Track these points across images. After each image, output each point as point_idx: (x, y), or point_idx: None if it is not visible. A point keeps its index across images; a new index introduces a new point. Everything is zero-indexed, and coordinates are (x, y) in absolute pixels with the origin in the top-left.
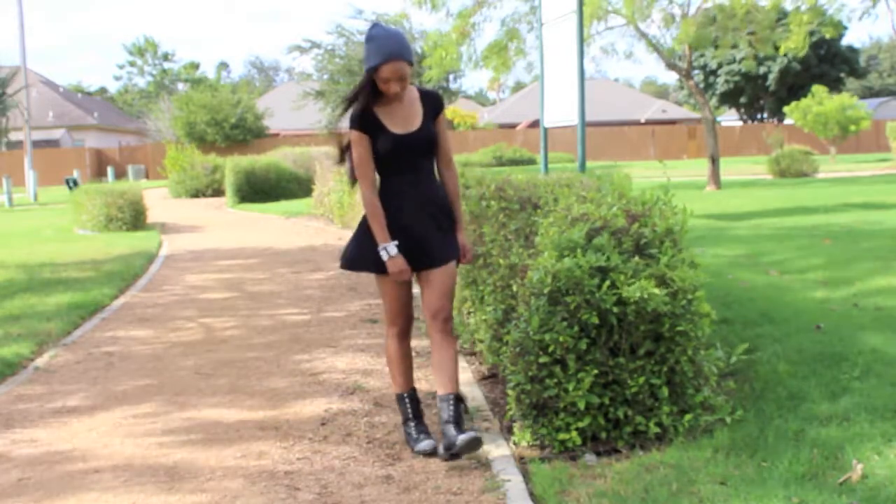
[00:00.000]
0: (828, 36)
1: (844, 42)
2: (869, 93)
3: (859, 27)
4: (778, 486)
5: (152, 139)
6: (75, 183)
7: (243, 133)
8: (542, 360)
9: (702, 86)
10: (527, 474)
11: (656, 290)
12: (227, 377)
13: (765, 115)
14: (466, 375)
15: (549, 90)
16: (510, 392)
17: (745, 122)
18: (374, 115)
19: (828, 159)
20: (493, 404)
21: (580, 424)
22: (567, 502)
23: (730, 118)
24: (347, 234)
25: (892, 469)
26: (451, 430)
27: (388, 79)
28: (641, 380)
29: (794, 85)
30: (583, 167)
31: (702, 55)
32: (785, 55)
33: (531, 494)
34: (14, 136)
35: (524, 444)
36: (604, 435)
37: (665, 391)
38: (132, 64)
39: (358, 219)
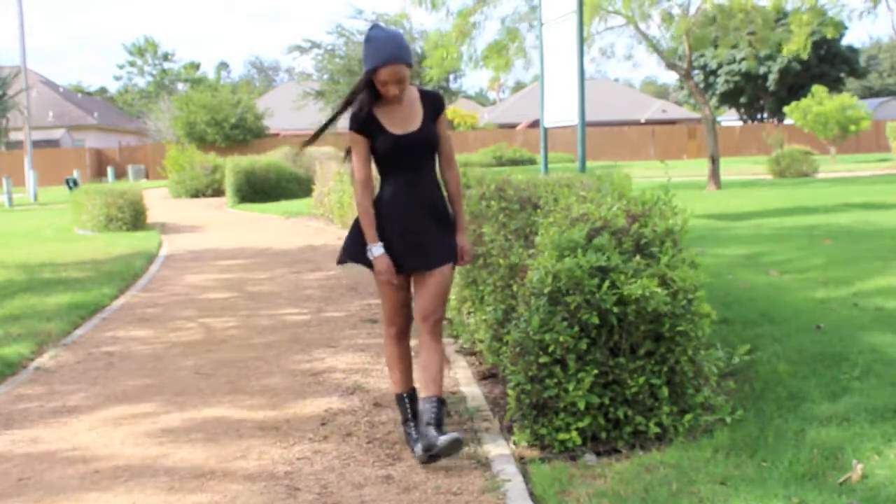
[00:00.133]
0: (829, 36)
1: (844, 42)
2: (869, 93)
3: (859, 27)
4: (778, 486)
5: (152, 139)
6: (75, 183)
7: (243, 133)
8: (542, 360)
9: (702, 86)
10: (527, 474)
11: (658, 289)
12: (227, 377)
13: (765, 115)
14: (466, 375)
15: (549, 90)
16: (510, 392)
17: (745, 122)
18: (374, 115)
19: (828, 159)
20: (493, 404)
21: (580, 424)
22: (567, 502)
23: (730, 118)
24: (347, 234)
25: (892, 469)
26: (432, 431)
27: (387, 81)
28: (641, 380)
29: (794, 85)
30: (583, 167)
31: (702, 55)
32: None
33: (531, 494)
34: (14, 136)
35: (524, 444)
36: (604, 435)
37: (665, 391)
38: (132, 64)
39: None
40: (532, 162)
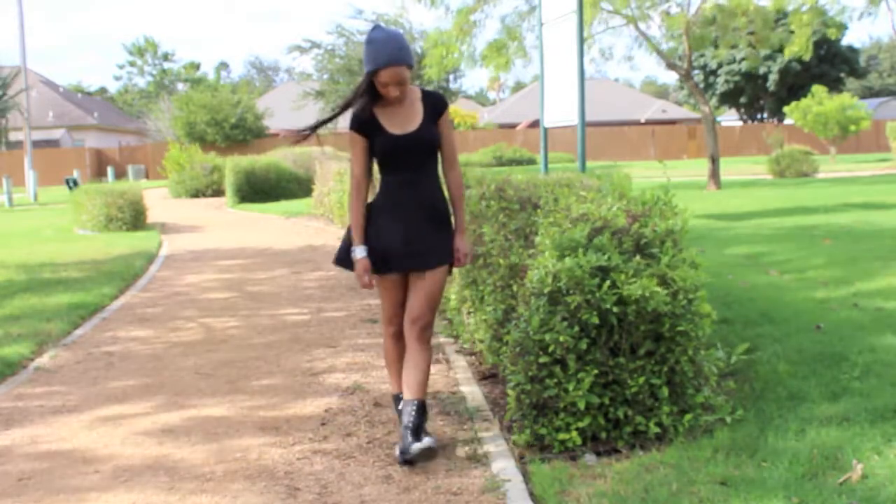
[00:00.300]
0: (832, 37)
1: (844, 42)
2: (869, 93)
3: (859, 27)
4: (778, 486)
5: (152, 139)
6: (75, 183)
7: (243, 133)
8: (542, 360)
9: (702, 86)
10: (527, 474)
11: (658, 289)
12: (227, 377)
13: (765, 115)
14: (466, 375)
15: (549, 90)
16: (510, 392)
17: (745, 122)
18: (373, 115)
19: (828, 159)
20: (493, 404)
21: (580, 424)
22: (567, 502)
23: (730, 118)
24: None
25: (892, 469)
26: (409, 436)
27: (387, 83)
28: (641, 380)
29: (794, 85)
30: (583, 167)
31: (702, 55)
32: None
33: (531, 494)
34: (14, 136)
35: (524, 444)
36: (604, 435)
37: (665, 391)
38: (132, 64)
39: None
40: (532, 162)
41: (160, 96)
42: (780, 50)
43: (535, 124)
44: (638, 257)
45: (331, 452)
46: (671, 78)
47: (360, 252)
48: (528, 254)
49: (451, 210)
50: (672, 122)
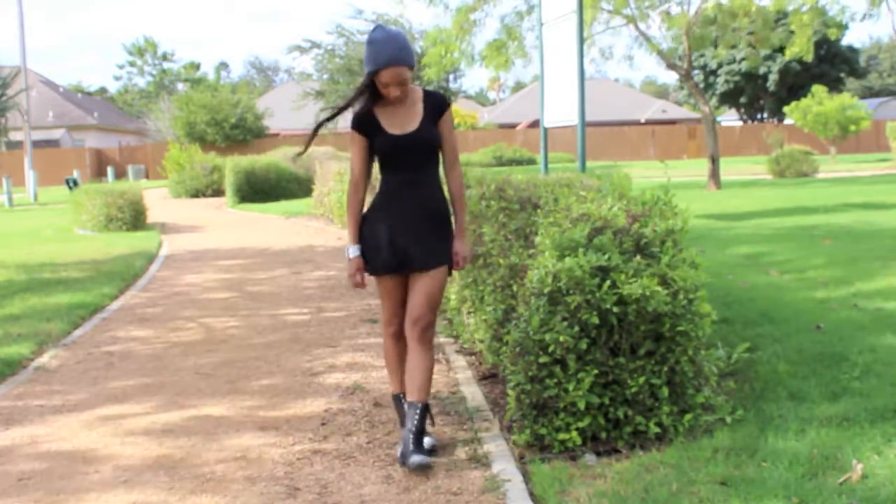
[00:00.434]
0: (832, 38)
1: (844, 42)
2: (869, 93)
3: (859, 27)
4: (778, 486)
5: (152, 139)
6: (75, 183)
7: (243, 133)
8: (542, 360)
9: (702, 86)
10: (527, 474)
11: (658, 289)
12: (227, 377)
13: (765, 115)
14: (466, 375)
15: (549, 90)
16: (510, 392)
17: (745, 122)
18: (374, 115)
19: (828, 159)
20: (493, 404)
21: (580, 424)
22: (567, 502)
23: (730, 118)
24: (347, 234)
25: (892, 469)
26: (410, 445)
27: (388, 83)
28: (641, 380)
29: (794, 85)
30: (583, 167)
31: (702, 55)
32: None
33: (531, 494)
34: (14, 136)
35: (524, 444)
36: (604, 435)
37: (665, 391)
38: (132, 64)
39: None
40: (532, 162)
41: (160, 96)
42: (781, 50)
43: (535, 124)
44: (638, 257)
45: (331, 452)
46: (671, 78)
47: (353, 251)
48: (528, 254)
49: (451, 210)
50: (672, 122)
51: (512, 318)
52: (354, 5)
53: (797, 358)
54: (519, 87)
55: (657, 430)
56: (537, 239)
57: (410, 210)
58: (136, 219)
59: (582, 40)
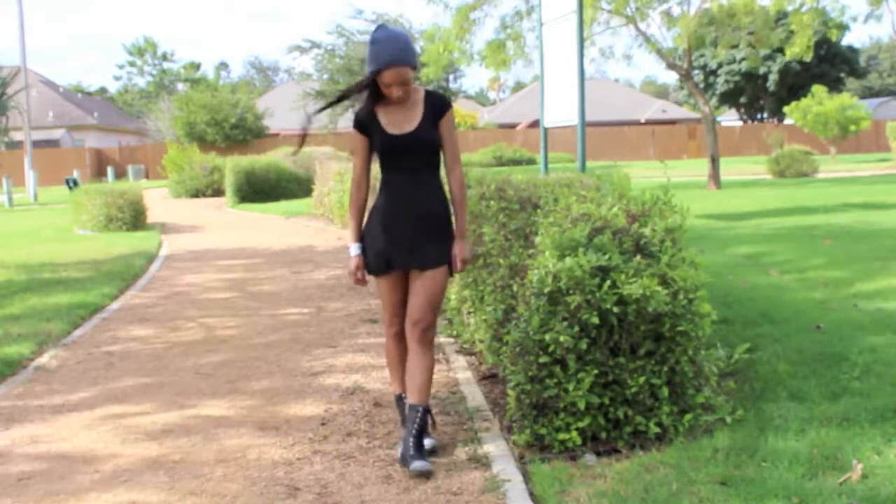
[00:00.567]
0: (833, 39)
1: (844, 42)
2: (869, 93)
3: (860, 28)
4: (778, 486)
5: (152, 139)
6: (75, 183)
7: (243, 133)
8: (542, 360)
9: (702, 86)
10: (527, 474)
11: (658, 288)
12: (227, 377)
13: (765, 115)
14: (466, 375)
15: (549, 90)
16: (510, 392)
17: (745, 122)
18: (374, 115)
19: (828, 159)
20: (493, 404)
21: (580, 424)
22: (567, 502)
23: (730, 118)
24: (347, 234)
25: (892, 469)
26: (410, 449)
27: (390, 83)
28: (641, 380)
29: (794, 85)
30: (583, 167)
31: (702, 55)
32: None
33: (531, 494)
34: (14, 136)
35: (524, 444)
36: (604, 435)
37: (665, 391)
38: (132, 64)
39: None
40: (532, 162)
41: (160, 96)
42: (781, 50)
43: (535, 124)
44: (638, 257)
45: (331, 452)
46: (671, 78)
47: (353, 249)
48: (528, 254)
49: (452, 211)
50: (672, 122)
51: (512, 318)
52: (354, 5)
53: (797, 358)
54: (519, 87)
55: (657, 430)
56: (537, 239)
57: (410, 210)
58: (136, 219)
59: (582, 40)
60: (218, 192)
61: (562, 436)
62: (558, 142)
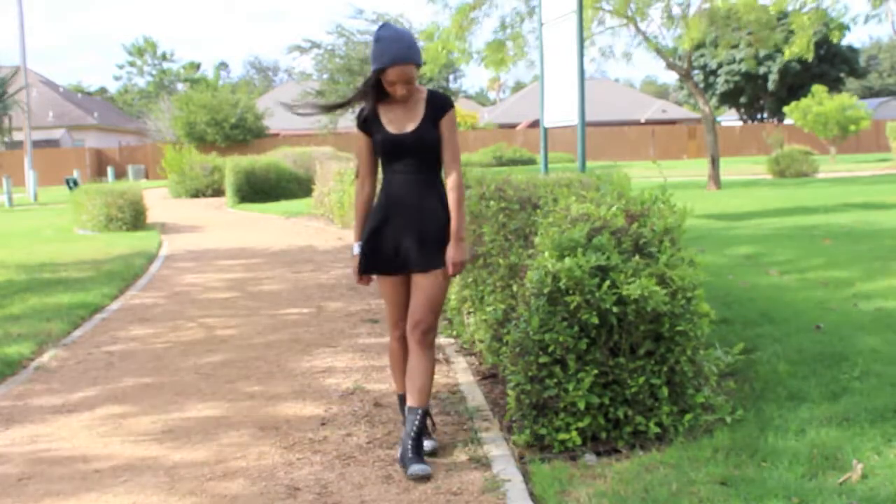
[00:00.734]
0: (834, 41)
1: (844, 42)
2: (869, 93)
3: (860, 28)
4: (778, 486)
5: (152, 139)
6: (75, 183)
7: (243, 133)
8: (542, 360)
9: (702, 86)
10: (527, 474)
11: (657, 288)
12: (227, 377)
13: (765, 115)
14: (466, 375)
15: (549, 90)
16: (510, 392)
17: (745, 122)
18: (376, 113)
19: (828, 159)
20: (493, 404)
21: (580, 424)
22: (567, 502)
23: (730, 118)
24: (347, 234)
25: (892, 469)
26: (409, 452)
27: (394, 82)
28: (641, 380)
29: (794, 85)
30: (583, 167)
31: (702, 55)
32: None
33: (531, 494)
34: (14, 136)
35: (524, 444)
36: (604, 435)
37: (665, 391)
38: (132, 64)
39: None
40: (532, 162)
41: (160, 96)
42: (781, 50)
43: (535, 124)
44: (637, 257)
45: (331, 452)
46: (671, 78)
47: (355, 249)
48: (528, 254)
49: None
50: (672, 122)
51: (512, 318)
52: (354, 5)
53: (797, 358)
54: (519, 87)
55: (657, 430)
56: (537, 239)
57: (409, 211)
58: (136, 219)
59: (582, 40)
60: (218, 192)
61: (562, 436)
62: (558, 142)
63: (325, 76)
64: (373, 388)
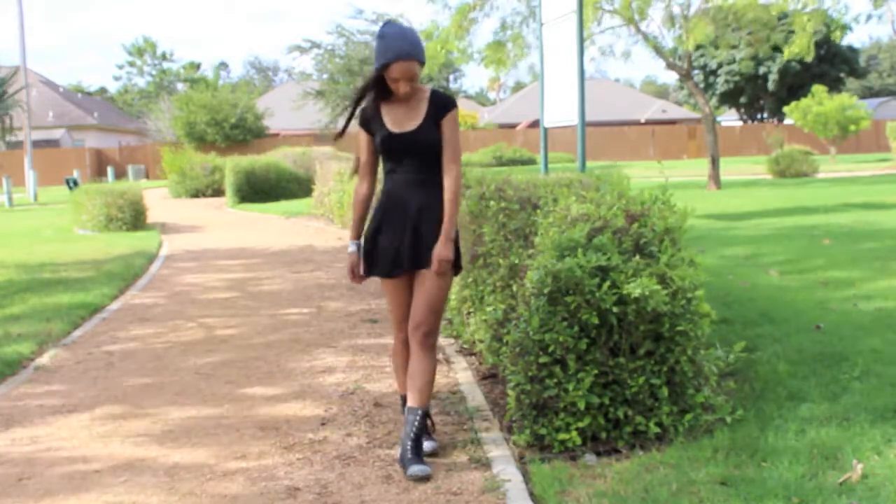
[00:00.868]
0: (835, 40)
1: (844, 42)
2: (869, 93)
3: (860, 28)
4: (778, 486)
5: (152, 139)
6: (75, 183)
7: (243, 133)
8: (542, 360)
9: (702, 86)
10: (527, 474)
11: (658, 288)
12: (227, 377)
13: (765, 115)
14: (466, 375)
15: (549, 90)
16: (510, 392)
17: (745, 122)
18: (378, 112)
19: (828, 159)
20: (493, 404)
21: (580, 424)
22: (567, 502)
23: (730, 118)
24: (347, 234)
25: (892, 469)
26: (409, 452)
27: (398, 78)
28: (641, 380)
29: (794, 85)
30: (583, 167)
31: (702, 55)
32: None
33: (531, 494)
34: (14, 136)
35: (524, 444)
36: (604, 435)
37: (665, 391)
38: (132, 64)
39: None
40: (532, 162)
41: (160, 96)
42: (780, 50)
43: (535, 124)
44: (637, 257)
45: (331, 452)
46: (671, 78)
47: (350, 246)
48: (528, 254)
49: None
50: (672, 122)
51: (512, 318)
52: (354, 5)
53: (797, 358)
54: (519, 87)
55: (657, 430)
56: (537, 239)
57: (409, 211)
58: (136, 219)
59: (582, 40)
60: (218, 192)
61: (562, 436)
62: (558, 142)
63: (325, 76)
64: (373, 388)
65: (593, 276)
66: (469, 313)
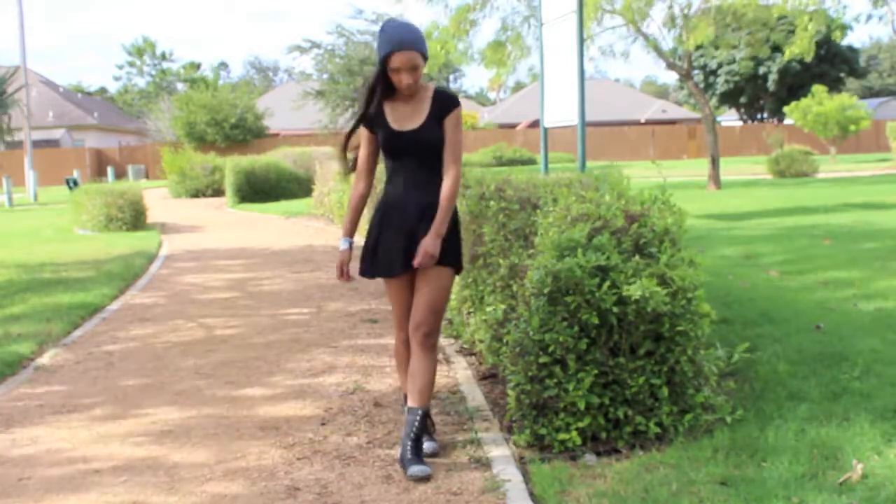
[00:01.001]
0: (836, 40)
1: (844, 42)
2: (869, 93)
3: (860, 27)
4: (778, 486)
5: (152, 139)
6: (75, 183)
7: (243, 133)
8: (542, 360)
9: (702, 86)
10: (527, 474)
11: (657, 289)
12: (227, 377)
13: (765, 115)
14: (466, 375)
15: (549, 90)
16: (510, 392)
17: (745, 122)
18: (381, 110)
19: (828, 159)
20: (493, 404)
21: (580, 424)
22: (567, 502)
23: (730, 118)
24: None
25: (892, 469)
26: (409, 452)
27: (399, 69)
28: (641, 380)
29: (793, 85)
30: (583, 167)
31: (702, 55)
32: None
33: (531, 494)
34: (14, 136)
35: (524, 444)
36: (604, 435)
37: (665, 391)
38: (131, 64)
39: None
40: (532, 162)
41: (160, 96)
42: (780, 50)
43: (535, 124)
44: (637, 257)
45: (331, 452)
46: (671, 78)
47: (342, 243)
48: (528, 254)
49: (455, 212)
50: (672, 122)
51: (512, 318)
52: (354, 5)
53: (797, 358)
54: (519, 87)
55: (657, 430)
56: (537, 239)
57: (410, 210)
58: (136, 219)
59: (582, 40)
60: (218, 192)
61: (562, 436)
62: (558, 142)
63: (325, 76)
64: (373, 388)
65: (593, 276)
66: (469, 313)
